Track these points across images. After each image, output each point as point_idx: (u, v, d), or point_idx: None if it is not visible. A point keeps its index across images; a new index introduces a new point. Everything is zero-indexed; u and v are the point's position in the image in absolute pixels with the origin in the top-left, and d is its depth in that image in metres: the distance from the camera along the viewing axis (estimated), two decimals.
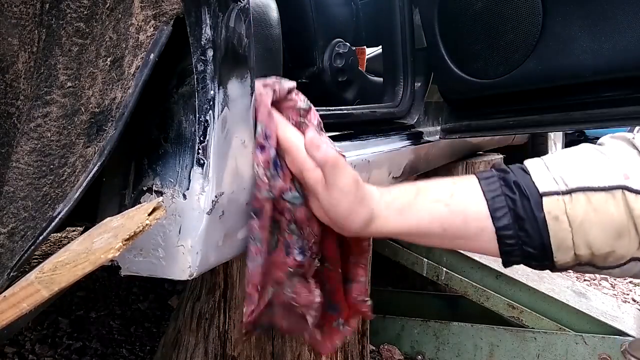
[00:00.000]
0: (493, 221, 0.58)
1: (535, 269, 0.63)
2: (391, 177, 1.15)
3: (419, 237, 0.64)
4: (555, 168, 0.58)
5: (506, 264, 0.62)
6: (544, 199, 0.56)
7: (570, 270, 0.63)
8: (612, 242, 0.56)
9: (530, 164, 0.60)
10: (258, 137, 0.63)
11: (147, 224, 0.45)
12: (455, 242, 0.62)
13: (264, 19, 1.08)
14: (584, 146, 0.61)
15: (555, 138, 3.44)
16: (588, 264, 0.59)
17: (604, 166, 0.57)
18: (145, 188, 0.60)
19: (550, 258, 0.58)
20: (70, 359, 1.51)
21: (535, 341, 1.36)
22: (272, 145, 0.63)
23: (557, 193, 0.56)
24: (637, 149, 0.56)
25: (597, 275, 2.56)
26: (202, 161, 0.57)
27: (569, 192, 0.56)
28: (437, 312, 1.56)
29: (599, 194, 0.55)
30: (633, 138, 0.57)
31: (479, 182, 0.60)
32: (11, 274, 0.49)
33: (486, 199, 0.59)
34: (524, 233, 0.57)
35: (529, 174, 0.58)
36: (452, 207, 0.60)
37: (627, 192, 0.54)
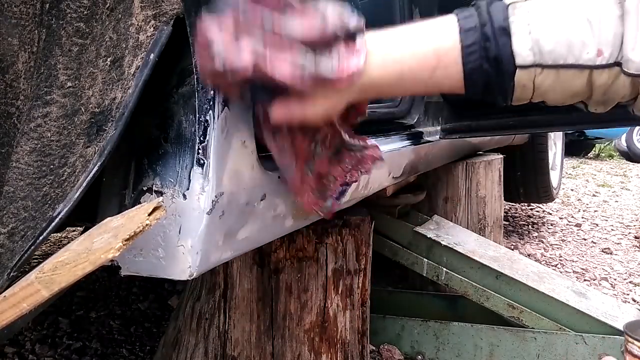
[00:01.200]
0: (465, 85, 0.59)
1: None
2: (391, 177, 1.15)
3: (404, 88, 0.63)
4: (537, 33, 0.56)
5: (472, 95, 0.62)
6: (518, 71, 0.58)
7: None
8: (567, 100, 0.62)
9: (515, 23, 0.57)
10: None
11: (147, 224, 0.45)
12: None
13: None
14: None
15: (555, 138, 3.44)
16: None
17: (583, 40, 0.56)
18: (145, 188, 0.60)
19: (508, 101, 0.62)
20: (70, 359, 1.51)
21: (535, 341, 1.36)
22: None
23: (532, 66, 0.57)
24: (622, 3, 0.55)
25: (597, 275, 2.56)
26: (202, 161, 0.57)
27: (542, 66, 0.57)
28: (437, 312, 1.56)
29: (569, 71, 0.57)
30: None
31: (461, 48, 0.58)
32: (11, 274, 0.49)
33: (464, 69, 0.59)
34: (490, 93, 0.61)
35: (511, 40, 0.57)
36: (432, 79, 0.60)
37: (594, 71, 0.56)
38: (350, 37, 0.55)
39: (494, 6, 0.58)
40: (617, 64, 0.56)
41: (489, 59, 0.57)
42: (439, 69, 0.58)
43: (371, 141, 0.64)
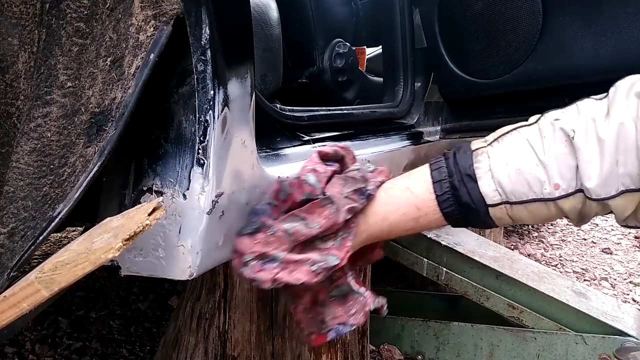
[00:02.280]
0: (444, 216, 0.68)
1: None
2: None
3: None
4: (499, 176, 0.65)
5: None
6: (490, 209, 0.66)
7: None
8: (546, 221, 0.70)
9: (479, 169, 0.65)
10: None
11: (147, 224, 0.45)
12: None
13: (264, 19, 1.08)
14: (525, 144, 0.65)
15: None
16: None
17: (539, 178, 0.63)
18: (145, 188, 0.60)
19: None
20: (70, 359, 1.51)
21: (535, 341, 1.36)
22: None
23: (500, 203, 0.65)
24: (571, 141, 0.63)
25: (597, 275, 2.56)
26: (202, 161, 0.57)
27: (510, 203, 0.65)
28: (437, 312, 1.56)
29: (535, 204, 0.64)
30: (572, 132, 0.63)
31: (436, 198, 0.67)
32: (11, 274, 0.49)
33: (443, 214, 0.67)
34: (474, 224, 0.69)
35: (478, 184, 0.65)
36: (420, 224, 0.70)
37: (558, 201, 0.63)
38: (353, 216, 0.66)
39: (460, 155, 0.67)
40: (579, 191, 0.62)
41: (461, 204, 0.66)
42: (422, 217, 0.68)
43: (368, 291, 0.74)
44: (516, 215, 0.66)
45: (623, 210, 0.61)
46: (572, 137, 0.63)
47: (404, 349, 1.51)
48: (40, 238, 0.50)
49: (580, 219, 0.66)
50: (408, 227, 0.70)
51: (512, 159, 0.64)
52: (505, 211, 0.66)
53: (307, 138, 0.87)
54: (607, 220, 3.57)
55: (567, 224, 3.41)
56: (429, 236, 1.59)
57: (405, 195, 0.69)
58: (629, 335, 1.28)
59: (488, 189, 0.65)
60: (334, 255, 0.64)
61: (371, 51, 1.85)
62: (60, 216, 0.50)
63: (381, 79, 1.46)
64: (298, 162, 0.80)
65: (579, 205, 0.63)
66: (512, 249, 2.64)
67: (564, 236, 3.15)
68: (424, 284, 1.82)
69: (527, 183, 0.64)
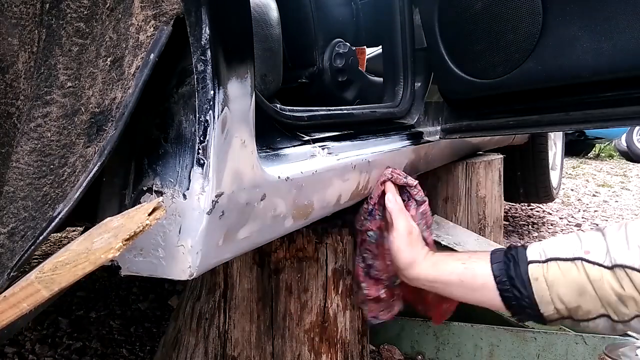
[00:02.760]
0: (494, 279, 0.84)
1: (536, 322, 0.86)
2: None
3: (443, 286, 0.92)
4: (544, 244, 0.83)
5: (515, 317, 0.89)
6: (529, 265, 0.81)
7: (562, 326, 0.89)
8: (577, 298, 0.77)
9: (532, 245, 0.85)
10: (368, 198, 1.06)
11: (147, 224, 0.45)
12: (469, 294, 0.89)
13: (264, 19, 1.08)
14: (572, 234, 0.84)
15: (555, 138, 3.44)
16: (568, 317, 0.81)
17: (574, 244, 0.80)
18: (145, 188, 0.60)
19: (538, 310, 0.81)
20: (70, 359, 1.51)
21: (535, 341, 1.36)
22: (371, 203, 1.06)
23: (538, 262, 0.81)
24: (603, 236, 0.78)
25: None
26: (202, 161, 0.57)
27: (546, 260, 0.80)
28: None
29: (565, 263, 0.78)
30: (604, 229, 0.80)
31: (490, 254, 0.87)
32: (11, 274, 0.49)
33: (491, 263, 0.85)
34: (516, 289, 0.81)
35: (525, 249, 0.84)
36: (467, 266, 0.88)
37: (584, 262, 0.77)
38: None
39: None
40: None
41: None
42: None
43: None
44: (549, 275, 0.80)
45: None
46: None
47: (403, 349, 1.51)
48: (40, 238, 0.50)
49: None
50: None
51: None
52: (542, 270, 0.81)
53: (307, 138, 0.87)
54: (607, 220, 3.58)
55: (567, 224, 3.41)
56: None
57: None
58: (629, 335, 1.28)
59: (531, 252, 0.84)
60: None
61: (371, 51, 1.85)
62: (60, 216, 0.50)
63: (381, 79, 1.46)
64: (298, 162, 0.80)
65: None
66: None
67: None
68: None
69: (563, 245, 0.82)
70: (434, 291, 0.96)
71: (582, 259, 0.77)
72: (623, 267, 0.73)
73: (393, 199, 1.01)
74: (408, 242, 0.95)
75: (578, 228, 3.32)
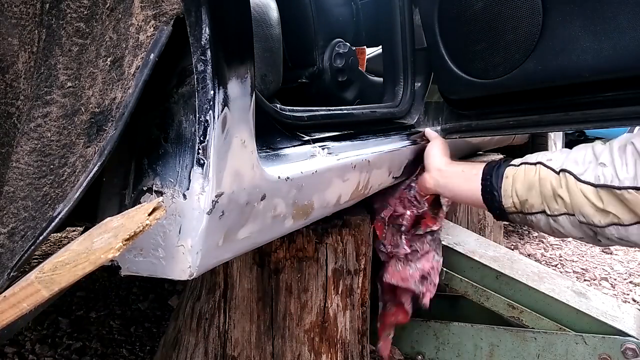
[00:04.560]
0: (483, 174, 1.03)
1: (498, 215, 1.02)
2: (391, 177, 1.15)
3: (451, 176, 1.12)
4: (527, 155, 1.00)
5: (487, 208, 1.04)
6: (508, 167, 1.00)
7: (514, 222, 1.03)
8: (527, 192, 0.95)
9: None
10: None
11: (147, 224, 0.45)
12: (464, 184, 1.07)
13: (264, 19, 1.08)
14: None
15: (556, 138, 3.44)
16: (520, 212, 0.97)
17: (543, 154, 0.97)
18: (145, 188, 0.60)
19: (501, 202, 0.99)
20: (70, 359, 1.51)
21: (535, 341, 1.36)
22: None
23: (514, 165, 0.99)
24: (569, 151, 0.94)
25: (597, 275, 2.56)
26: (202, 161, 0.57)
27: (519, 164, 0.98)
28: (437, 312, 1.56)
29: (529, 166, 0.96)
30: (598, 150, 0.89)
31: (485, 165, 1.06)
32: (11, 274, 0.49)
33: (486, 164, 1.05)
34: (493, 182, 1.00)
35: (514, 159, 1.03)
36: (473, 164, 1.09)
37: (541, 165, 0.94)
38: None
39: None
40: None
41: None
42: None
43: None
44: (515, 174, 0.98)
45: None
46: None
47: (404, 349, 1.51)
48: (40, 238, 0.50)
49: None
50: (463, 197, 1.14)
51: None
52: (514, 171, 0.98)
53: (307, 138, 0.87)
54: None
55: None
56: None
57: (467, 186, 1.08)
58: (629, 335, 1.28)
59: (514, 160, 1.01)
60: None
61: (371, 51, 1.85)
62: (60, 216, 0.50)
63: (381, 79, 1.46)
64: (298, 162, 0.80)
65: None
66: (512, 249, 2.64)
67: None
68: None
69: (537, 155, 0.99)
70: (444, 188, 1.14)
71: (541, 163, 0.94)
72: (566, 171, 0.89)
73: (430, 131, 1.29)
74: (439, 152, 1.18)
75: None
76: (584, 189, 0.86)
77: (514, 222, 1.04)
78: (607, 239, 0.87)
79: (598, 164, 0.85)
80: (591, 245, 3.00)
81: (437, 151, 1.20)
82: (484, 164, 1.06)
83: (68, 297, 1.87)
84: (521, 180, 0.96)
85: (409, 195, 1.26)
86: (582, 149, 0.91)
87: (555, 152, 0.96)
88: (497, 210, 1.01)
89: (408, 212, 1.26)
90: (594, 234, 0.89)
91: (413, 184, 1.26)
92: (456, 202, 1.25)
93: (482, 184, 1.02)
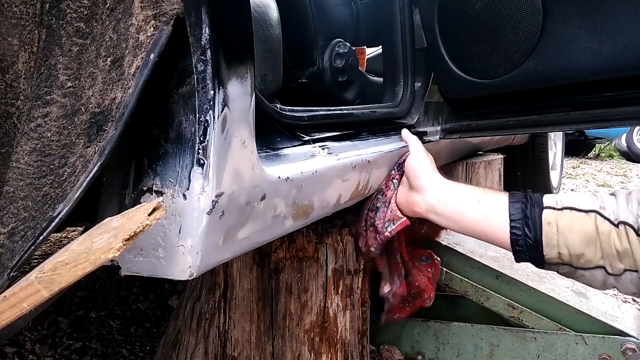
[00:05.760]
0: (509, 215, 0.88)
1: (533, 263, 0.90)
2: None
3: (458, 207, 0.95)
4: (560, 196, 0.89)
5: (514, 253, 0.89)
6: (544, 210, 0.86)
7: (556, 271, 0.90)
8: (583, 247, 0.83)
9: (549, 195, 0.90)
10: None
11: (147, 224, 0.45)
12: (481, 219, 0.92)
13: (264, 19, 1.08)
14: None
15: (556, 138, 3.44)
16: (568, 264, 0.86)
17: (590, 199, 0.86)
18: (145, 188, 0.60)
19: (541, 252, 0.86)
20: (70, 359, 1.51)
21: (535, 341, 1.36)
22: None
23: (553, 208, 0.86)
24: (615, 197, 0.85)
25: None
26: (202, 161, 0.57)
27: (562, 209, 0.86)
28: (437, 312, 1.56)
29: (579, 213, 0.84)
30: (629, 194, 0.84)
31: (509, 193, 0.93)
32: (11, 274, 0.49)
33: (509, 200, 0.91)
34: (527, 228, 0.86)
35: (542, 196, 0.89)
36: (487, 194, 0.95)
37: (597, 215, 0.83)
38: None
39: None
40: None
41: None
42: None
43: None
44: (561, 222, 0.85)
45: None
46: None
47: (403, 349, 1.51)
48: (40, 238, 0.50)
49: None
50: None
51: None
52: (555, 216, 0.86)
53: (307, 138, 0.87)
54: None
55: None
56: None
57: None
58: (629, 335, 1.28)
59: (548, 199, 0.89)
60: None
61: (371, 51, 1.85)
62: (60, 216, 0.50)
63: (381, 79, 1.46)
64: (298, 162, 0.80)
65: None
66: None
67: None
68: None
69: (579, 199, 0.87)
70: (444, 217, 0.97)
71: (596, 212, 0.83)
72: (625, 224, 0.80)
73: (409, 136, 1.12)
74: (429, 167, 1.01)
75: None
76: None
77: (551, 271, 0.91)
78: None
79: None
80: None
81: (425, 165, 1.02)
82: (501, 195, 0.92)
83: (68, 297, 1.87)
84: (574, 231, 0.83)
85: (377, 220, 1.07)
86: (632, 195, 0.83)
87: (604, 197, 0.85)
88: (529, 259, 0.89)
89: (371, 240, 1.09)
90: None
91: (379, 204, 1.08)
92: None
93: (511, 226, 0.88)
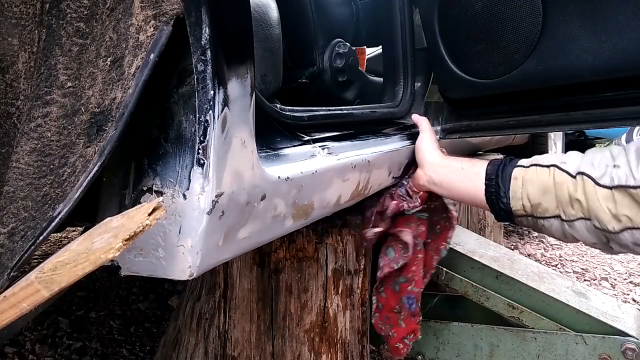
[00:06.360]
0: (486, 174, 0.98)
1: (505, 219, 0.98)
2: (391, 177, 1.15)
3: (449, 174, 1.06)
4: (536, 156, 0.96)
5: (491, 210, 0.99)
6: (515, 168, 0.95)
7: (524, 225, 0.97)
8: (540, 196, 0.90)
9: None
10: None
11: (147, 224, 0.45)
12: (464, 182, 1.03)
13: (264, 19, 1.08)
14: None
15: (556, 138, 3.44)
16: (530, 215, 0.93)
17: (556, 156, 0.92)
18: (145, 188, 0.60)
19: (509, 205, 0.94)
20: (70, 359, 1.51)
21: (535, 341, 1.36)
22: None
23: (523, 166, 0.95)
24: (583, 154, 0.89)
25: (597, 275, 2.56)
26: (202, 161, 0.57)
27: (529, 166, 0.94)
28: (437, 312, 1.56)
29: (541, 168, 0.91)
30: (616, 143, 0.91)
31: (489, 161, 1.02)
32: (11, 274, 0.49)
33: (488, 163, 1.00)
34: (499, 184, 0.95)
35: (519, 159, 0.98)
36: (472, 161, 1.05)
37: (556, 169, 0.89)
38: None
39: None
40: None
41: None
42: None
43: None
44: (525, 176, 0.93)
45: None
46: None
47: None
48: (40, 238, 0.50)
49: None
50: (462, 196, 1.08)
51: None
52: (523, 173, 0.93)
53: (307, 138, 0.87)
54: None
55: None
56: None
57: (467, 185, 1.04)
58: (629, 335, 1.28)
59: (522, 160, 0.97)
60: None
61: (371, 51, 1.85)
62: (60, 216, 0.50)
63: (381, 79, 1.46)
64: (298, 162, 0.80)
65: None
66: (512, 249, 2.64)
67: None
68: None
69: (546, 156, 0.95)
70: (439, 186, 1.09)
71: (555, 166, 0.89)
72: (583, 174, 0.85)
73: (419, 118, 1.24)
74: (430, 146, 1.14)
75: None
76: (601, 193, 0.81)
77: (519, 225, 0.99)
78: (620, 245, 0.83)
79: (614, 166, 0.81)
80: None
81: (428, 144, 1.15)
82: (484, 162, 1.02)
83: (68, 297, 1.87)
84: (534, 182, 0.91)
85: (399, 192, 1.20)
86: (598, 152, 0.87)
87: (569, 155, 0.91)
88: (501, 212, 0.97)
89: (393, 203, 1.18)
90: (607, 241, 0.85)
91: (404, 181, 1.22)
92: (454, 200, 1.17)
93: (485, 184, 0.97)
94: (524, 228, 3.22)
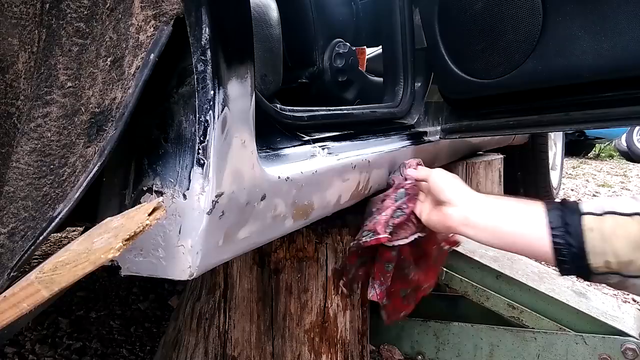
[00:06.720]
0: (549, 224, 0.82)
1: (579, 275, 0.82)
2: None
3: (495, 227, 0.89)
4: (598, 201, 0.82)
5: (558, 266, 0.82)
6: (584, 216, 0.79)
7: (605, 284, 0.84)
8: (632, 253, 0.76)
9: (586, 201, 0.84)
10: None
11: (147, 224, 0.45)
12: (518, 235, 0.86)
13: (264, 19, 1.08)
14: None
15: (556, 138, 3.44)
16: (616, 273, 0.78)
17: (631, 202, 0.79)
18: (145, 188, 0.60)
19: (586, 261, 0.78)
20: (70, 359, 1.51)
21: (535, 341, 1.36)
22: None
23: (594, 214, 0.79)
24: None
25: None
26: (202, 161, 0.57)
27: (603, 214, 0.78)
28: (437, 312, 1.56)
29: (623, 217, 0.77)
30: None
31: (542, 204, 0.86)
32: (11, 274, 0.49)
33: (545, 209, 0.83)
34: (569, 237, 0.79)
35: (578, 203, 0.82)
36: (520, 206, 0.88)
37: None
38: None
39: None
40: None
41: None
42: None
43: None
44: (604, 228, 0.78)
45: None
46: None
47: (404, 349, 1.51)
48: (40, 238, 0.50)
49: None
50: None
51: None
52: (597, 223, 0.79)
53: (307, 138, 0.87)
54: None
55: None
56: None
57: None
58: (629, 335, 1.28)
59: (586, 205, 0.81)
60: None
61: (371, 51, 1.85)
62: (60, 216, 0.50)
63: (381, 79, 1.46)
64: (298, 162, 0.80)
65: None
66: None
67: None
68: None
69: (620, 203, 0.79)
70: (478, 229, 0.90)
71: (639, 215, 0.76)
72: None
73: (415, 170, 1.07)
74: (454, 180, 0.95)
75: None
76: None
77: (594, 282, 0.85)
78: None
79: None
80: None
81: (450, 177, 0.96)
82: (535, 204, 0.87)
83: (68, 297, 1.87)
84: (619, 236, 0.77)
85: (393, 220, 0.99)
86: None
87: (637, 198, 0.80)
88: (578, 271, 0.82)
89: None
90: None
91: (374, 210, 1.03)
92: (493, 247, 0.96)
93: (552, 234, 0.81)
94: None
